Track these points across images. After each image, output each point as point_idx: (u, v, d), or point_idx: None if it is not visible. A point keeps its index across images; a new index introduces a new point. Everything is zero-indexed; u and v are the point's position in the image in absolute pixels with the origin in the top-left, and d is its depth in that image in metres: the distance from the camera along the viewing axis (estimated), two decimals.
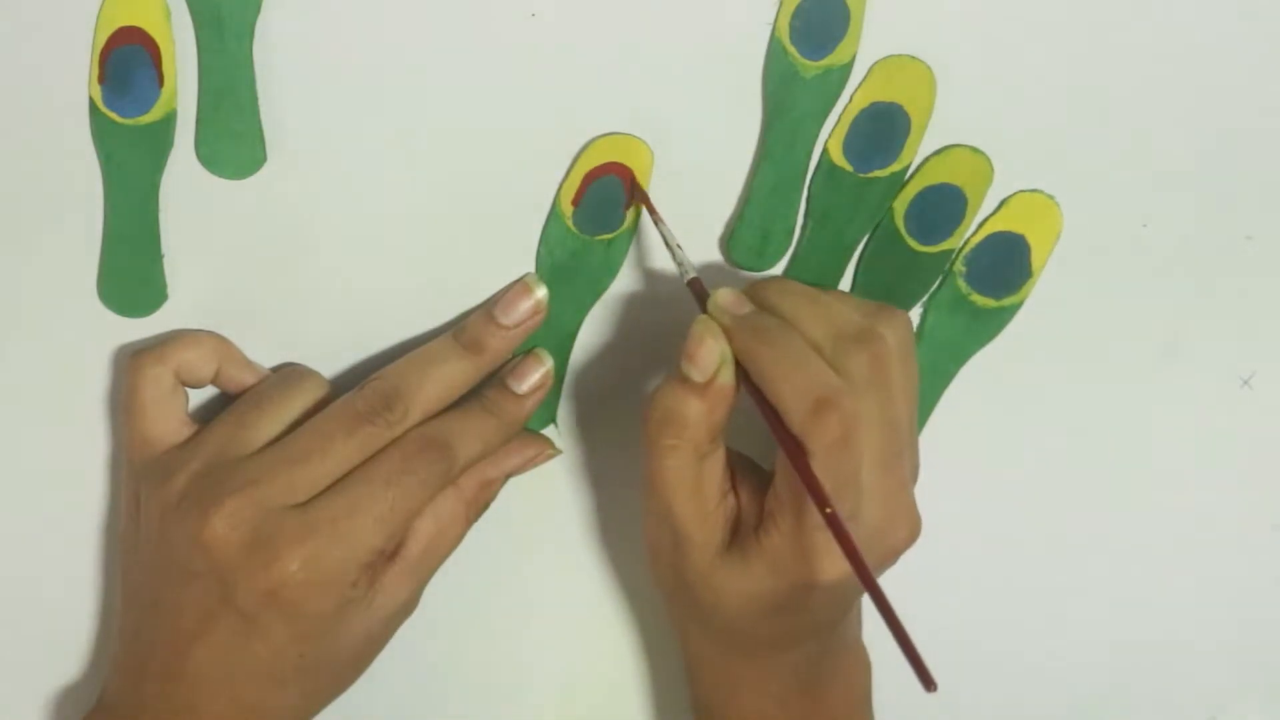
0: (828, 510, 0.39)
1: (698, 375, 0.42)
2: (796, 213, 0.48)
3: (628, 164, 0.47)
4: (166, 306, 0.48)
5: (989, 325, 0.50)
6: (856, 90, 0.47)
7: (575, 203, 0.47)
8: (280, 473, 0.43)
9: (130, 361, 0.46)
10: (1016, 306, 0.49)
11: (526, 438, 0.48)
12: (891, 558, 0.43)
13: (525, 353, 0.47)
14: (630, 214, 0.48)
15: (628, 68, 0.47)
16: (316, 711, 0.46)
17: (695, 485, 0.43)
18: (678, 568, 0.44)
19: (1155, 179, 0.49)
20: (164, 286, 0.48)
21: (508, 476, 0.47)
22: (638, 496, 0.45)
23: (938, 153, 0.48)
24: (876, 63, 0.47)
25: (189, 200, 0.47)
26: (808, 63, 0.47)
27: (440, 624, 0.49)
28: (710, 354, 0.42)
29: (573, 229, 0.47)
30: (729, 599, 0.43)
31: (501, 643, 0.52)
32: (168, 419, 0.46)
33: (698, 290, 0.44)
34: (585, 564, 0.52)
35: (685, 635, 0.48)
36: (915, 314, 0.50)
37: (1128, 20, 0.48)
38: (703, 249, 0.49)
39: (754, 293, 0.43)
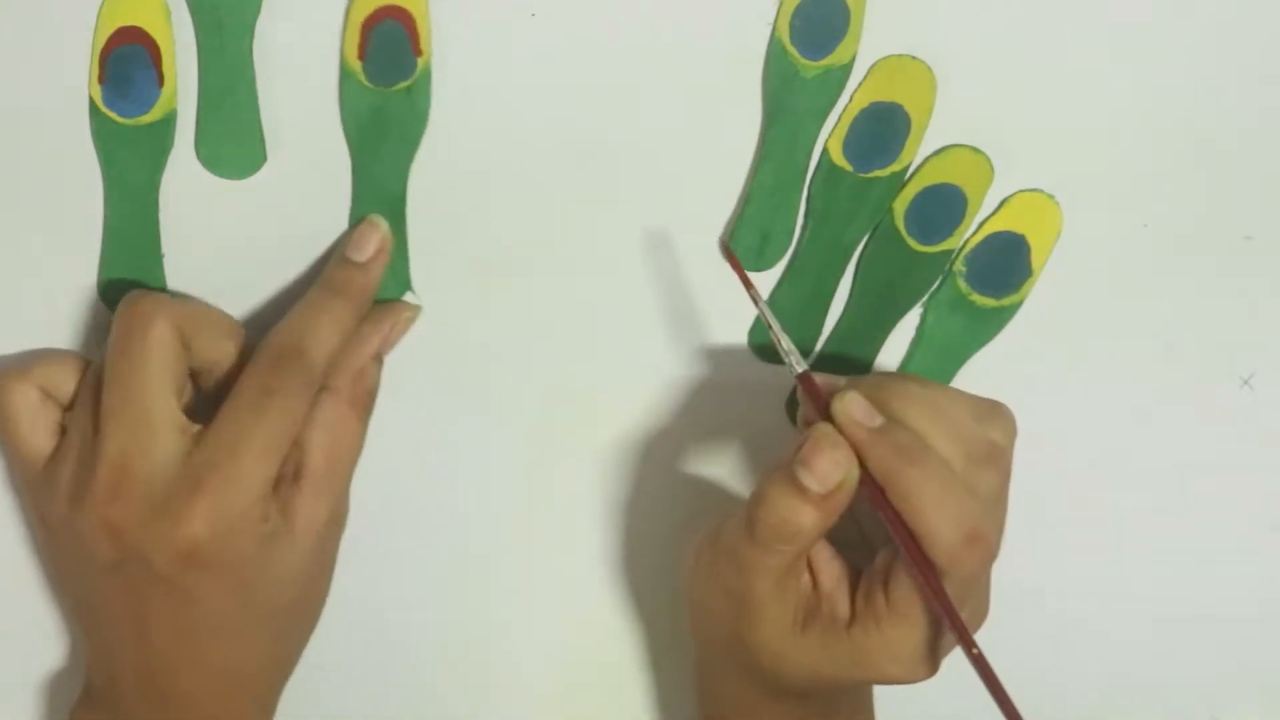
0: (975, 651, 0.40)
1: (817, 486, 0.41)
2: (796, 213, 0.48)
3: (403, 4, 0.45)
4: None
5: (989, 325, 0.50)
6: (856, 90, 0.47)
7: (361, 55, 0.46)
8: (135, 435, 0.42)
9: None
10: (1016, 306, 0.49)
11: (381, 310, 0.47)
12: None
13: (358, 223, 0.47)
14: (422, 61, 0.46)
15: (627, 67, 0.47)
16: (297, 653, 0.46)
17: (781, 576, 0.43)
18: (739, 633, 0.44)
19: (1155, 179, 0.49)
20: (164, 286, 0.48)
21: (378, 357, 0.46)
22: (638, 496, 0.45)
23: (938, 153, 0.48)
24: (876, 63, 0.47)
25: (189, 200, 0.47)
26: (808, 62, 0.47)
27: (440, 624, 0.49)
28: (835, 468, 0.41)
29: (366, 84, 0.46)
30: (793, 670, 0.44)
31: (501, 642, 0.52)
32: (44, 432, 0.45)
33: (810, 388, 0.43)
34: (585, 563, 0.52)
35: (709, 665, 0.48)
36: (914, 314, 0.50)
37: (1128, 20, 0.48)
38: (703, 249, 0.49)
39: (875, 396, 0.42)
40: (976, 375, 0.50)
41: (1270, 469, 0.52)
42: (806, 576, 0.44)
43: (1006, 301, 0.49)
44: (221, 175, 0.47)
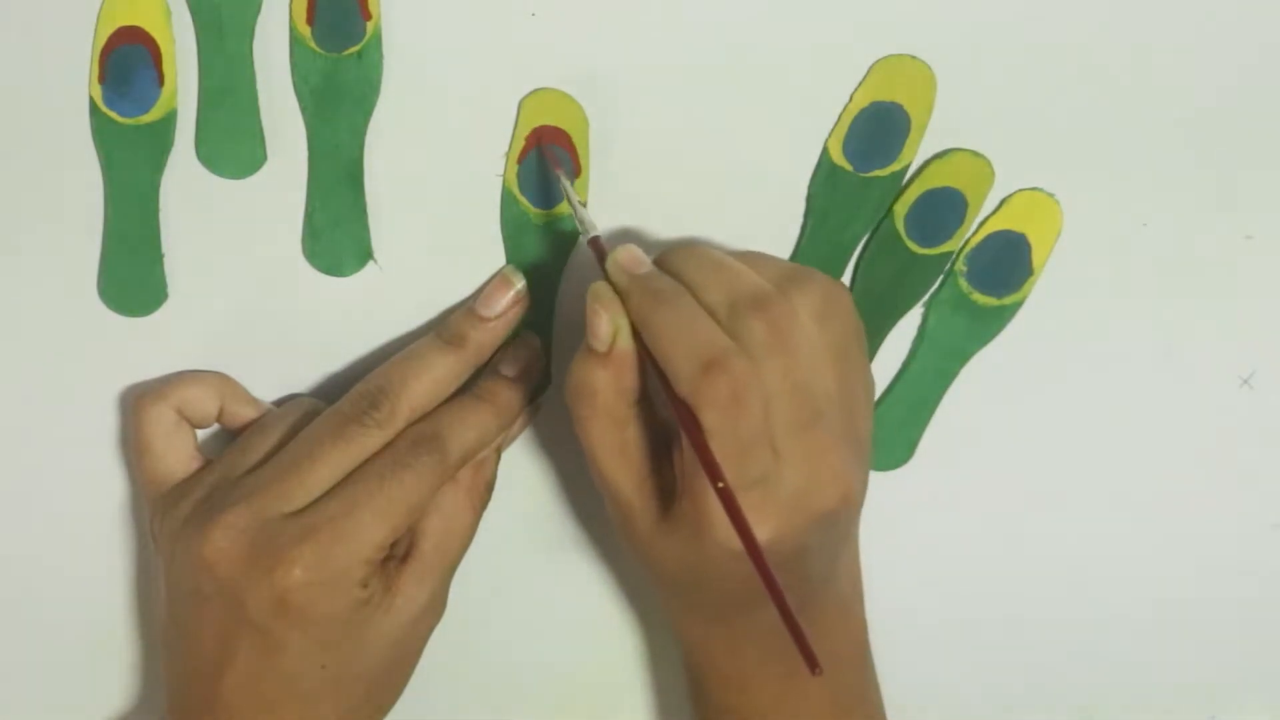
0: (720, 485, 0.39)
1: (598, 345, 0.42)
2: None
3: None
4: (166, 306, 0.48)
5: (990, 324, 0.50)
6: (856, 90, 0.47)
7: (309, 20, 0.46)
8: (274, 483, 0.43)
9: (133, 403, 0.46)
10: (1018, 305, 0.49)
11: (507, 399, 0.47)
12: (822, 521, 0.41)
13: (514, 339, 0.47)
14: (371, 26, 0.46)
15: (626, 67, 0.47)
16: None
17: (622, 453, 0.43)
18: (627, 536, 0.44)
19: (1155, 179, 0.49)
20: (164, 286, 0.48)
21: (499, 449, 0.47)
22: None
23: (939, 156, 0.48)
24: (876, 63, 0.47)
25: (189, 200, 0.47)
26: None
27: (439, 625, 0.49)
28: (604, 322, 0.41)
29: (317, 49, 0.46)
30: (667, 567, 0.43)
31: (500, 643, 0.52)
32: (174, 455, 0.46)
33: (598, 249, 0.44)
34: (585, 563, 0.52)
35: (661, 604, 0.48)
36: (916, 313, 0.50)
37: (1128, 20, 0.47)
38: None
39: (661, 257, 0.43)
40: (978, 374, 0.50)
41: (1270, 469, 0.52)
42: (666, 468, 0.43)
43: (1008, 300, 0.49)
44: (221, 175, 0.47)
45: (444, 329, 0.46)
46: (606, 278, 0.43)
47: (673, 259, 0.43)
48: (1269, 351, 0.51)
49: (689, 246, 0.43)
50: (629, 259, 0.42)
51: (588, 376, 0.42)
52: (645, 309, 0.41)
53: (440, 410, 0.45)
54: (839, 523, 0.42)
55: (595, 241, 0.44)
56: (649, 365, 0.41)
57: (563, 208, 0.47)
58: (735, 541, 0.40)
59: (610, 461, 0.43)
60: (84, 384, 0.48)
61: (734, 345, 0.40)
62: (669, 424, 0.44)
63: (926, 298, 0.49)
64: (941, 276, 0.49)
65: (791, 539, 0.40)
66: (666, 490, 0.43)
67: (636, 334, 0.42)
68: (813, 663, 0.37)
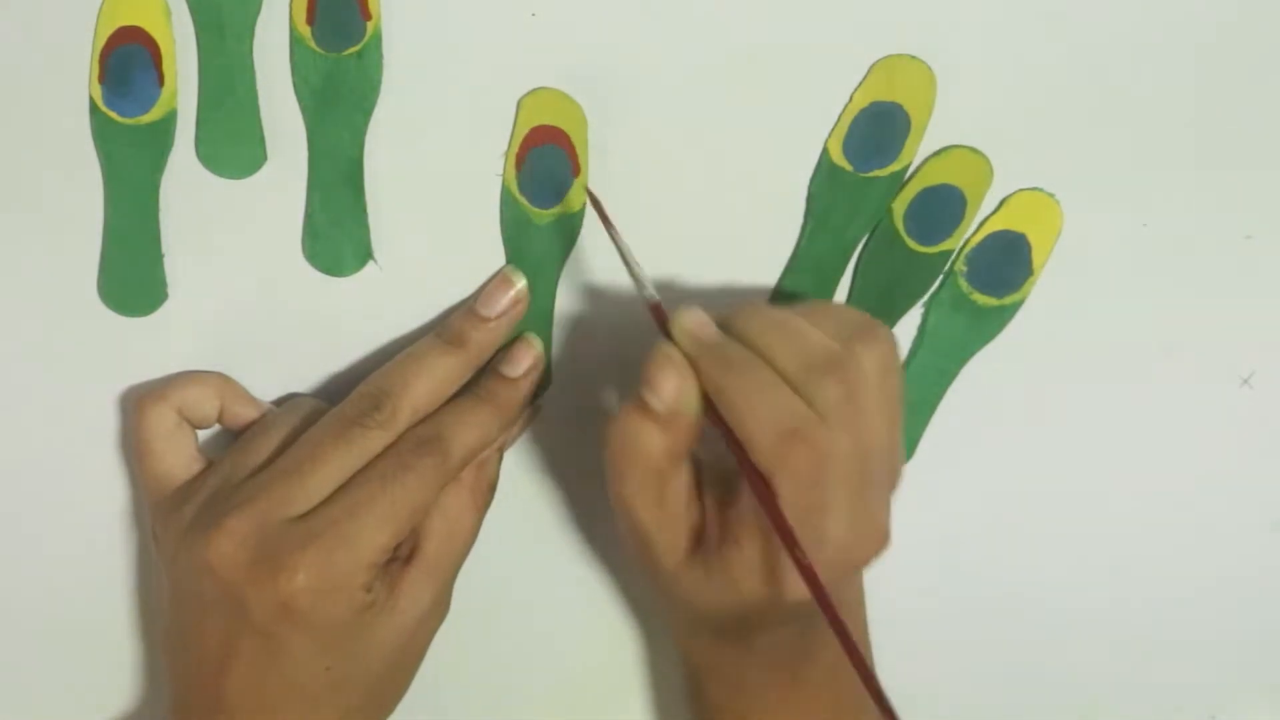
0: (805, 562, 0.39)
1: (659, 405, 0.41)
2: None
3: None
4: (166, 306, 0.48)
5: (990, 324, 0.50)
6: (856, 90, 0.47)
7: (310, 20, 0.46)
8: (276, 487, 0.43)
9: (134, 404, 0.46)
10: (1018, 305, 0.49)
11: (507, 400, 0.47)
12: (852, 570, 0.42)
13: (515, 339, 0.47)
14: (371, 26, 0.46)
15: (626, 67, 0.47)
16: None
17: (658, 499, 0.42)
18: (646, 567, 0.44)
19: (1155, 179, 0.49)
20: (164, 286, 0.48)
21: (501, 449, 0.47)
22: None
23: (937, 154, 0.48)
24: (876, 63, 0.47)
25: (189, 200, 0.47)
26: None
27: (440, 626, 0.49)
28: (672, 385, 0.41)
29: (316, 49, 0.46)
30: (693, 601, 0.43)
31: (500, 643, 0.52)
32: (175, 456, 0.46)
33: (659, 315, 0.43)
34: (587, 562, 0.52)
35: (666, 618, 0.48)
36: (916, 313, 0.50)
37: (1128, 19, 0.48)
38: (701, 261, 0.49)
39: (724, 320, 0.43)
40: (978, 374, 0.50)
41: (1270, 469, 0.52)
42: (696, 506, 0.43)
43: (1008, 300, 0.49)
44: (221, 175, 0.47)
45: (444, 329, 0.46)
46: (669, 338, 0.42)
47: (737, 322, 0.42)
48: (1269, 351, 0.51)
49: (752, 307, 0.43)
50: (696, 324, 0.42)
51: (639, 436, 0.41)
52: (719, 377, 0.41)
53: (442, 411, 0.45)
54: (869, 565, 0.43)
55: (657, 308, 0.43)
56: (723, 433, 0.41)
57: (562, 208, 0.47)
58: (788, 595, 0.40)
59: (647, 512, 0.42)
60: (84, 384, 0.48)
61: (813, 414, 0.40)
62: (697, 462, 0.44)
63: (926, 297, 0.49)
64: (941, 276, 0.49)
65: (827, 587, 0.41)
66: (693, 529, 0.43)
67: (705, 400, 0.41)
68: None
